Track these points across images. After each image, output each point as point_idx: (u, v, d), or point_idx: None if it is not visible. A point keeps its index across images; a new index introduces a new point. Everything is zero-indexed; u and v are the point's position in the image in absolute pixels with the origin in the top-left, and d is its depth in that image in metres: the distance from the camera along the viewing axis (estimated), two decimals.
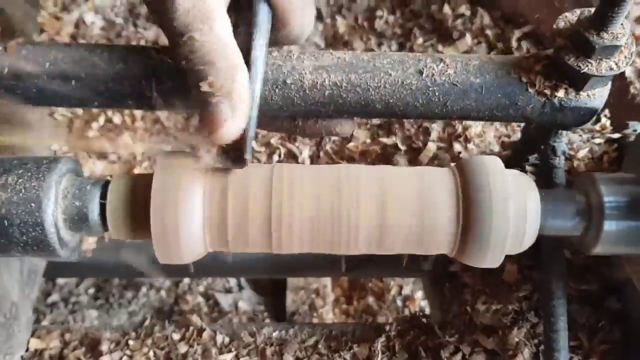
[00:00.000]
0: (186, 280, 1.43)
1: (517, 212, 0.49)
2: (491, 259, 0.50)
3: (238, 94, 0.45)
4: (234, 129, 0.46)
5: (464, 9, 0.89)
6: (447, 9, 0.90)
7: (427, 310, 1.09)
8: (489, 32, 0.87)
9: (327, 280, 1.39)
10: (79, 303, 1.40)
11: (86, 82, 0.54)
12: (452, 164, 0.56)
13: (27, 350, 0.74)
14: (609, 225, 0.50)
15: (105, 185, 0.51)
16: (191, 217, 0.49)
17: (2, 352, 0.69)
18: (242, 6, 0.51)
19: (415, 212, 0.50)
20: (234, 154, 0.49)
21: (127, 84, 0.53)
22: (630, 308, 0.68)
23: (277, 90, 0.54)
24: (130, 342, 0.74)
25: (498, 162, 0.51)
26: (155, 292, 1.41)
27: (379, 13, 0.93)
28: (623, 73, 0.76)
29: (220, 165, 0.49)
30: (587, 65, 0.52)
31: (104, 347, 0.73)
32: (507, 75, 0.55)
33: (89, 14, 0.94)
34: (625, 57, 0.52)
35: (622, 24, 0.51)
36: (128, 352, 0.73)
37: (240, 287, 1.44)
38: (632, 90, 0.74)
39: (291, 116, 0.57)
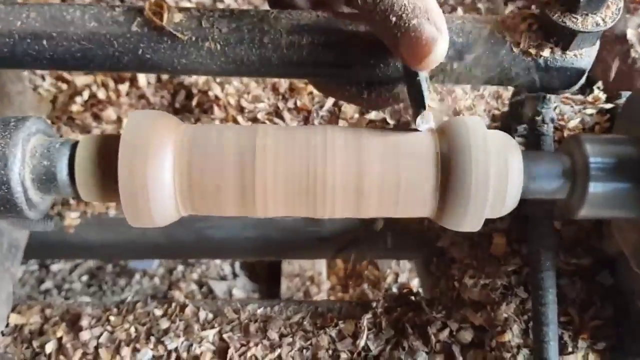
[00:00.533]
0: (180, 267, 1.42)
1: (498, 173, 0.47)
2: (470, 222, 0.48)
3: (435, 11, 0.43)
4: (444, 47, 0.43)
5: None
6: None
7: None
8: (480, 5, 0.85)
9: (322, 268, 1.38)
10: (72, 290, 1.39)
11: (58, 42, 0.53)
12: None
13: (7, 325, 0.72)
14: (595, 187, 0.48)
15: (74, 145, 0.50)
16: (161, 178, 0.47)
17: None
18: None
19: (392, 172, 0.48)
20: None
21: (101, 44, 0.52)
22: (623, 283, 0.66)
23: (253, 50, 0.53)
24: (112, 318, 0.72)
25: (479, 123, 0.49)
26: (149, 279, 1.40)
27: None
28: (625, 37, 0.74)
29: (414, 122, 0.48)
30: (572, 21, 0.50)
31: (84, 322, 0.71)
32: (490, 34, 0.53)
33: None
34: (613, 12, 0.50)
35: None
36: (109, 327, 0.71)
37: (235, 275, 1.43)
38: (632, 54, 0.72)
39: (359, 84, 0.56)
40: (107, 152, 0.48)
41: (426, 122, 0.48)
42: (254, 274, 1.44)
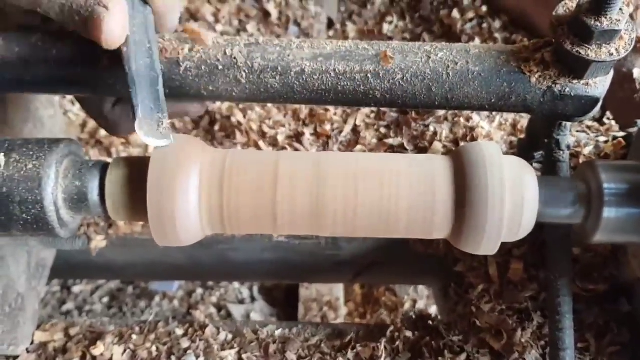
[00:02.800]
0: (199, 290, 1.43)
1: (513, 198, 0.48)
2: (486, 246, 0.49)
3: None
4: (114, 24, 0.48)
5: (473, 14, 0.90)
6: (456, 13, 0.90)
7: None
8: (497, 35, 0.87)
9: (340, 293, 1.38)
10: (93, 311, 1.41)
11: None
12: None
13: (32, 343, 0.74)
14: (609, 212, 0.49)
15: (105, 167, 0.52)
16: (187, 199, 0.49)
17: (6, 342, 0.69)
18: None
19: (411, 196, 0.49)
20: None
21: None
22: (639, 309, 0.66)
23: (277, 77, 0.55)
24: (134, 337, 0.74)
25: (495, 148, 0.50)
26: (169, 301, 1.42)
27: (388, 19, 0.94)
28: (631, 75, 0.75)
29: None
30: (586, 51, 0.51)
31: (107, 340, 0.73)
32: (506, 63, 0.55)
33: None
34: (626, 43, 0.52)
35: (620, 9, 0.50)
36: (131, 346, 0.73)
37: (253, 299, 1.44)
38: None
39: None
40: (137, 174, 0.51)
41: (149, 135, 0.49)
42: (272, 298, 1.45)
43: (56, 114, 0.80)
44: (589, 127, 0.72)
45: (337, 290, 1.38)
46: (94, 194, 0.51)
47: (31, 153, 0.50)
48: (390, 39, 0.93)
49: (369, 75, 0.55)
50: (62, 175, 0.51)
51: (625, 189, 0.50)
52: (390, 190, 0.50)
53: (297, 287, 1.39)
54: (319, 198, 0.50)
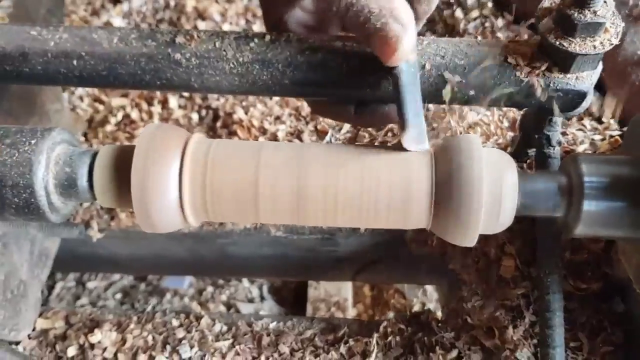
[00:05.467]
0: (210, 288, 1.45)
1: (491, 190, 0.48)
2: (464, 237, 0.50)
3: (400, 9, 0.47)
4: (409, 44, 0.46)
5: (477, 13, 0.90)
6: (459, 13, 0.90)
7: None
8: (500, 35, 0.87)
9: (349, 294, 1.39)
10: (106, 307, 1.44)
11: (87, 61, 0.57)
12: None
13: (34, 329, 0.76)
14: (589, 205, 0.49)
15: (95, 155, 0.54)
16: (170, 186, 0.50)
17: (7, 327, 0.71)
18: None
19: (391, 187, 0.50)
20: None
21: (125, 64, 0.57)
22: (634, 309, 0.65)
23: (264, 69, 0.56)
24: (131, 326, 0.75)
25: (474, 140, 0.50)
26: (180, 298, 1.44)
27: None
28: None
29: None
30: (570, 44, 0.51)
31: (105, 328, 0.74)
32: (493, 57, 0.55)
33: (117, 18, 0.99)
34: (612, 35, 0.52)
35: (605, 2, 0.50)
36: (128, 334, 0.74)
37: (262, 298, 1.45)
38: None
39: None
40: (124, 161, 0.52)
41: (416, 142, 0.50)
42: (281, 297, 1.46)
43: (63, 108, 0.82)
44: (584, 126, 0.71)
45: (346, 291, 1.38)
46: (83, 180, 0.53)
47: (24, 140, 0.52)
48: None
49: (362, 73, 0.55)
50: (54, 161, 0.53)
51: (606, 182, 0.49)
52: (370, 181, 0.50)
53: (305, 287, 1.39)
54: (301, 187, 0.50)
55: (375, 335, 0.72)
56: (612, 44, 0.52)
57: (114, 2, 1.01)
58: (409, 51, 0.47)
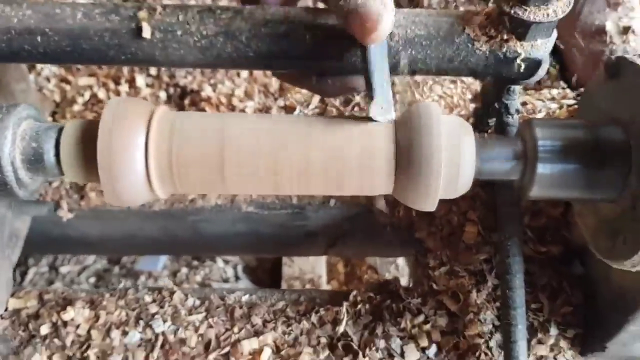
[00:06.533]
0: (184, 269, 1.46)
1: (450, 155, 0.50)
2: (424, 201, 0.51)
3: None
4: (389, 22, 0.46)
5: None
6: None
7: None
8: (462, 9, 0.89)
9: (323, 271, 1.41)
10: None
11: (51, 37, 0.57)
12: None
13: (6, 309, 0.76)
14: (543, 168, 0.51)
15: (61, 129, 0.54)
16: (135, 157, 0.51)
17: None
18: None
19: (356, 155, 0.51)
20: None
21: (89, 39, 0.57)
22: (592, 271, 0.68)
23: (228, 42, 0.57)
24: (104, 303, 0.76)
25: (434, 108, 0.52)
26: (154, 280, 1.44)
27: None
28: (602, 30, 0.77)
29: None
30: (524, 12, 0.53)
31: (78, 306, 0.75)
32: (451, 27, 0.56)
33: None
34: (564, 4, 0.53)
35: None
36: (101, 311, 0.75)
37: (237, 278, 1.46)
38: (610, 46, 0.75)
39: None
40: (89, 135, 0.52)
41: (383, 113, 0.52)
42: (256, 276, 1.48)
43: (29, 88, 0.81)
44: (543, 95, 0.74)
45: (320, 267, 1.40)
46: (50, 155, 0.53)
47: None
48: None
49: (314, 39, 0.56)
50: (20, 137, 0.53)
51: (559, 146, 0.51)
52: (334, 150, 0.52)
53: (280, 265, 1.41)
54: (266, 154, 0.51)
55: (345, 304, 0.74)
56: (564, 12, 0.53)
57: None
58: (389, 30, 0.47)
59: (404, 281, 1.47)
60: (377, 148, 0.51)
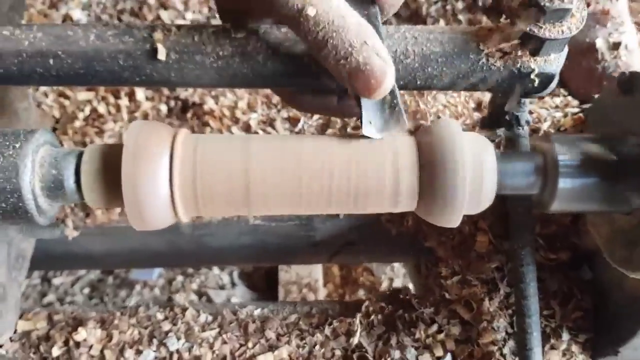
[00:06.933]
0: (179, 278, 1.45)
1: (474, 173, 0.51)
2: (449, 219, 0.52)
3: (379, 43, 0.47)
4: (392, 79, 0.47)
5: None
6: None
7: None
8: (461, 17, 0.90)
9: (319, 275, 1.41)
10: (74, 302, 1.42)
11: (64, 60, 0.56)
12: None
13: (15, 332, 0.75)
14: (564, 183, 0.52)
15: (80, 155, 0.53)
16: (161, 183, 0.51)
17: None
18: None
19: (379, 174, 0.52)
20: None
21: (102, 61, 0.56)
22: (601, 276, 0.70)
23: (244, 62, 0.57)
24: (115, 322, 0.75)
25: (454, 125, 0.53)
26: (150, 290, 1.43)
27: None
28: (593, 47, 0.78)
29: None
30: (539, 29, 0.54)
31: (89, 326, 0.74)
32: (466, 44, 0.57)
33: (76, 10, 0.97)
34: (577, 20, 0.54)
35: None
36: (113, 330, 0.74)
37: (233, 284, 1.46)
38: (602, 62, 0.76)
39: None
40: (111, 160, 0.52)
41: (372, 130, 0.52)
42: (252, 282, 1.48)
43: (30, 106, 0.80)
44: (548, 104, 0.75)
45: (316, 272, 1.41)
46: (70, 182, 0.53)
47: (7, 143, 0.51)
48: None
49: None
50: (39, 163, 0.52)
51: (579, 160, 0.53)
52: (358, 171, 0.52)
53: (276, 270, 1.41)
54: (292, 177, 0.52)
55: (358, 315, 0.74)
56: (578, 28, 0.55)
57: None
58: (392, 84, 0.48)
59: (399, 281, 1.49)
60: (401, 166, 0.52)
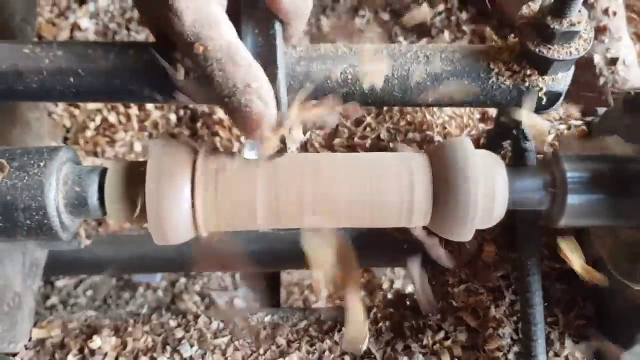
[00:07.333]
0: (182, 279, 1.46)
1: (486, 190, 0.53)
2: (462, 233, 0.54)
3: (264, 89, 0.48)
4: (272, 121, 0.48)
5: (442, 7, 0.94)
6: (425, 7, 0.94)
7: None
8: (465, 28, 0.91)
9: (320, 276, 1.42)
10: (77, 304, 1.43)
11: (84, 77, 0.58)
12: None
13: (30, 339, 0.77)
14: (572, 199, 0.54)
15: (103, 172, 0.55)
16: (184, 201, 0.52)
17: (6, 340, 0.72)
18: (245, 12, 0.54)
19: (393, 192, 0.54)
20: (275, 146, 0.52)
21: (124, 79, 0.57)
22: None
23: None
24: (129, 329, 0.77)
25: (467, 143, 0.55)
26: (152, 292, 1.44)
27: (361, 13, 0.98)
28: (592, 61, 0.80)
29: (265, 157, 0.53)
30: (549, 51, 0.56)
31: (104, 334, 0.76)
32: (476, 62, 0.59)
33: (84, 19, 0.98)
34: (585, 41, 0.56)
35: (579, 11, 0.55)
36: (127, 338, 0.76)
37: (236, 286, 1.47)
38: (600, 77, 0.78)
39: None
40: (133, 177, 0.54)
41: (249, 152, 0.53)
42: (254, 283, 1.49)
43: (42, 116, 0.81)
44: (551, 117, 0.77)
45: (317, 274, 1.42)
46: (93, 199, 0.54)
47: (32, 161, 0.53)
48: (362, 32, 0.97)
49: (348, 76, 0.58)
50: (62, 181, 0.54)
51: (586, 177, 0.54)
52: (371, 188, 0.54)
53: (278, 272, 1.42)
54: (310, 194, 0.53)
55: (367, 321, 0.76)
56: (585, 49, 0.57)
57: (79, 2, 0.99)
58: (270, 126, 0.49)
59: (399, 282, 1.50)
60: (416, 182, 0.54)
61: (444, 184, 0.53)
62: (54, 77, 0.58)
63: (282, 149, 0.52)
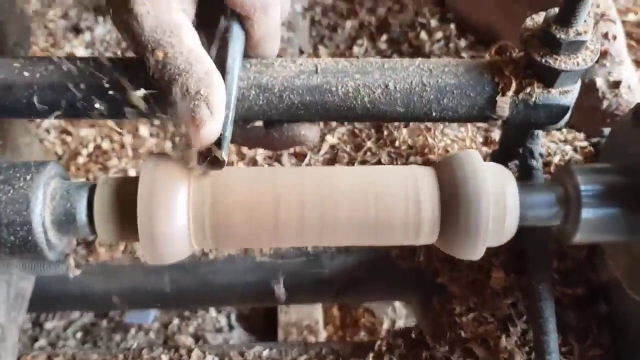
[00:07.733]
0: (175, 321, 1.41)
1: (497, 204, 0.50)
2: (472, 251, 0.51)
3: (214, 97, 0.47)
4: (214, 129, 0.48)
5: (440, 35, 0.93)
6: (423, 35, 0.94)
7: None
8: (464, 54, 0.91)
9: (319, 316, 1.38)
10: (67, 347, 1.37)
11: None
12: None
13: None
14: (587, 213, 0.52)
15: (92, 188, 0.52)
16: (178, 217, 0.50)
17: None
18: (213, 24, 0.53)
19: (400, 207, 0.51)
20: (211, 157, 0.50)
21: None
22: (618, 310, 0.68)
23: (260, 94, 0.56)
24: None
25: (475, 156, 0.52)
26: (144, 333, 1.39)
27: (359, 42, 0.97)
28: (595, 85, 0.79)
29: (201, 168, 0.51)
30: (555, 61, 0.54)
31: None
32: (481, 76, 0.57)
33: (80, 48, 0.97)
34: (592, 52, 0.55)
35: (585, 21, 0.53)
36: None
37: (231, 327, 1.42)
38: (604, 100, 0.77)
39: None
40: (124, 194, 0.51)
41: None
42: (250, 324, 1.44)
43: (32, 142, 0.79)
44: (557, 138, 0.75)
45: (316, 313, 1.37)
46: (82, 215, 0.51)
47: (18, 175, 0.50)
48: None
49: (349, 90, 0.56)
50: (50, 196, 0.51)
51: (601, 190, 0.52)
52: (379, 204, 0.51)
53: (275, 312, 1.38)
54: (324, 211, 0.51)
55: (371, 354, 0.72)
56: (592, 60, 0.55)
57: (75, 32, 0.98)
58: (212, 135, 0.48)
59: (401, 322, 1.46)
60: (422, 198, 0.51)
61: (454, 199, 0.50)
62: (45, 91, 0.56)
63: (222, 163, 0.50)
